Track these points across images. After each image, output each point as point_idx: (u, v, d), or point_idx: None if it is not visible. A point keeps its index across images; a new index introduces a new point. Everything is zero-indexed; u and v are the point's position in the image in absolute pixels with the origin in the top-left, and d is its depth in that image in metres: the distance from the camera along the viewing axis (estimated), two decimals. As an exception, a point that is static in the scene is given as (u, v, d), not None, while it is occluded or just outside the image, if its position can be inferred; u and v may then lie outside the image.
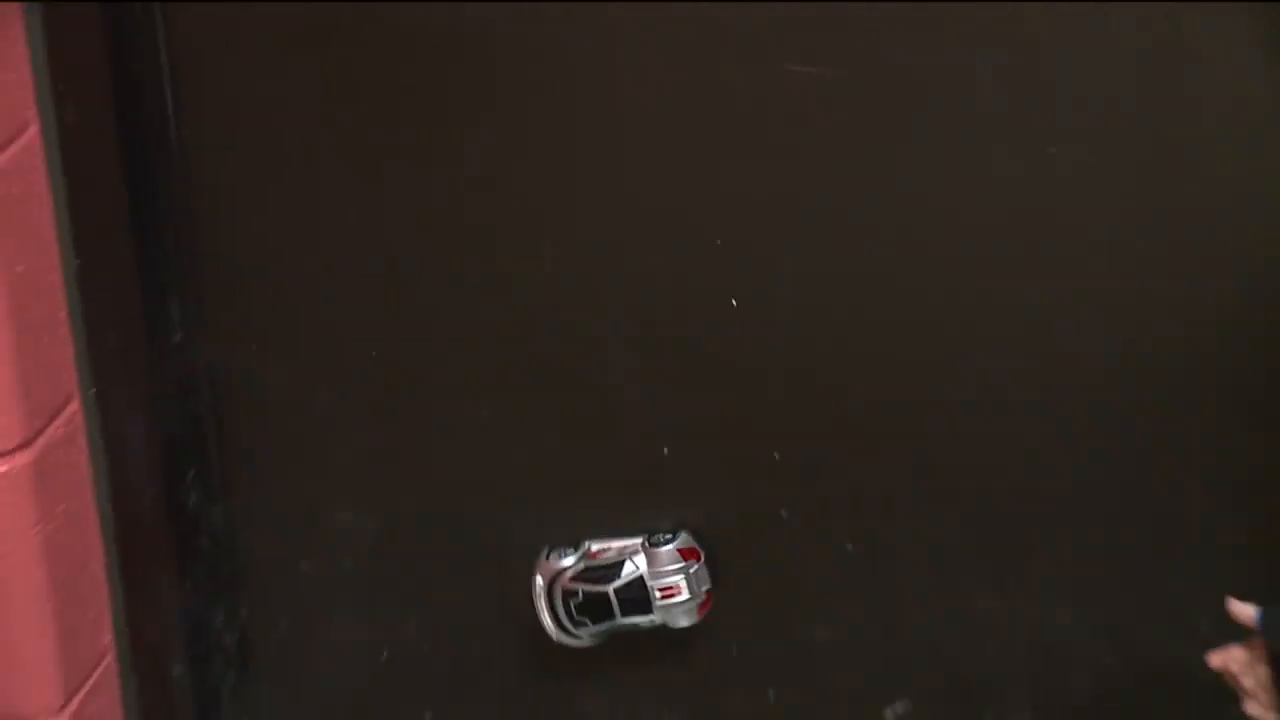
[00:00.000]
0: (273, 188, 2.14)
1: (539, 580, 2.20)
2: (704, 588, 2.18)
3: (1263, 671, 1.87)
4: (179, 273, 2.16)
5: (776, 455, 2.15)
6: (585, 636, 2.21)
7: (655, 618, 2.18)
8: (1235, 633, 2.01)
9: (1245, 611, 1.90)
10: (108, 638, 2.21)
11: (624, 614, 2.18)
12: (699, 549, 2.18)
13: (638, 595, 2.17)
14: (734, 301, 2.10)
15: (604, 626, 2.19)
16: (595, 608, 2.18)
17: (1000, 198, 2.06)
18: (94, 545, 2.17)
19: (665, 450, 2.18)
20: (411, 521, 2.26)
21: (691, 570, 2.17)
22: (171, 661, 2.27)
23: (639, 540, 2.19)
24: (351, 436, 2.25)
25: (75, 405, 2.09)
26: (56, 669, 2.12)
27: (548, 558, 2.21)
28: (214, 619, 2.31)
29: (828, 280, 2.13)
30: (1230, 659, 1.92)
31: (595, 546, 2.20)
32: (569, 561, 2.21)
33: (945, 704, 2.23)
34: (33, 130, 1.98)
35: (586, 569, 2.19)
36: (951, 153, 2.06)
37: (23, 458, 1.99)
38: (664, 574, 2.18)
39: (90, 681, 2.20)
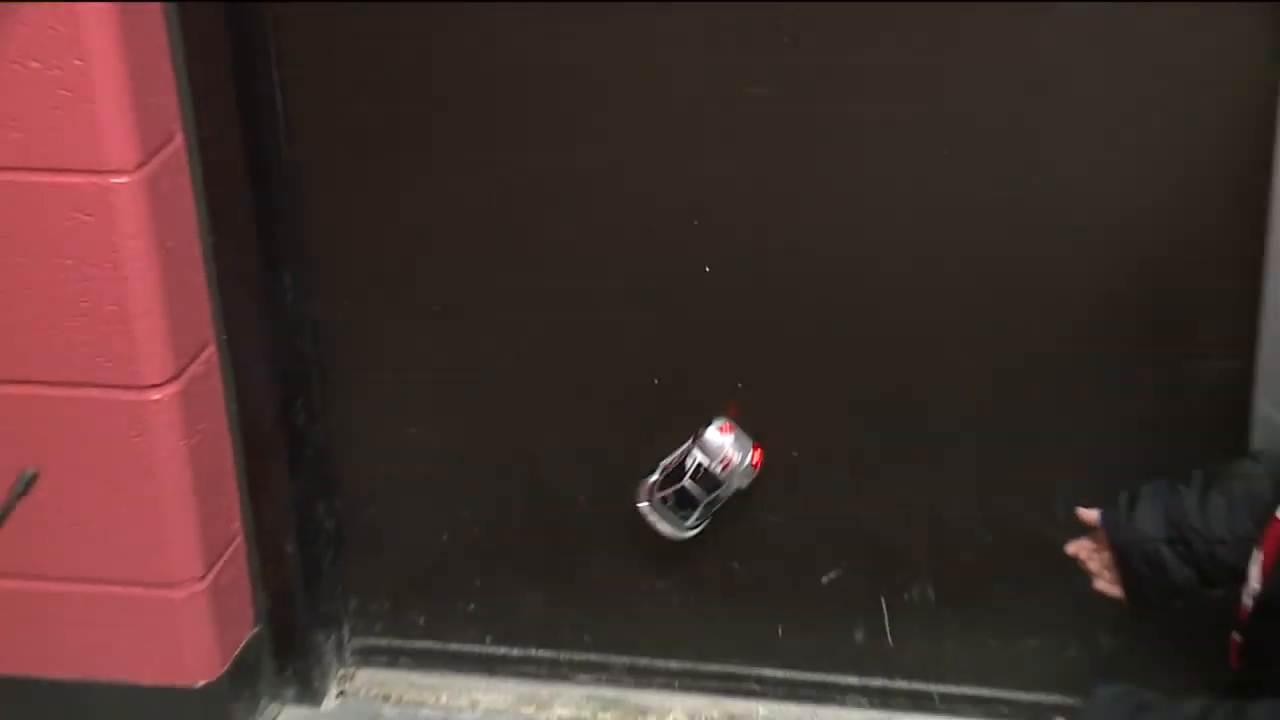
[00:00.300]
0: (358, 183, 2.23)
1: (644, 504, 2.25)
2: (749, 449, 2.23)
3: (1105, 556, 1.97)
4: (289, 248, 2.27)
5: (739, 385, 2.23)
6: (691, 523, 2.25)
7: (724, 488, 2.23)
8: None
9: (1089, 514, 2.00)
10: (236, 524, 2.34)
11: (705, 494, 2.23)
12: (732, 424, 2.24)
13: (706, 477, 2.23)
14: (707, 268, 2.16)
15: (697, 511, 2.24)
16: (683, 502, 2.24)
17: (913, 182, 2.11)
18: (226, 454, 2.29)
19: (655, 380, 2.26)
20: (464, 436, 2.35)
21: (733, 440, 2.23)
22: (284, 542, 2.39)
23: (689, 442, 2.23)
24: (420, 371, 2.33)
25: (211, 349, 2.22)
26: (199, 547, 2.24)
27: (642, 482, 2.26)
28: (317, 509, 2.41)
29: (779, 251, 2.18)
30: (1081, 548, 2.01)
31: (665, 460, 2.24)
32: (652, 478, 2.25)
33: (867, 573, 2.32)
34: (178, 139, 2.11)
35: (664, 478, 2.24)
36: (861, 148, 2.10)
37: (172, 388, 2.13)
38: (716, 452, 2.23)
39: (224, 557, 2.30)
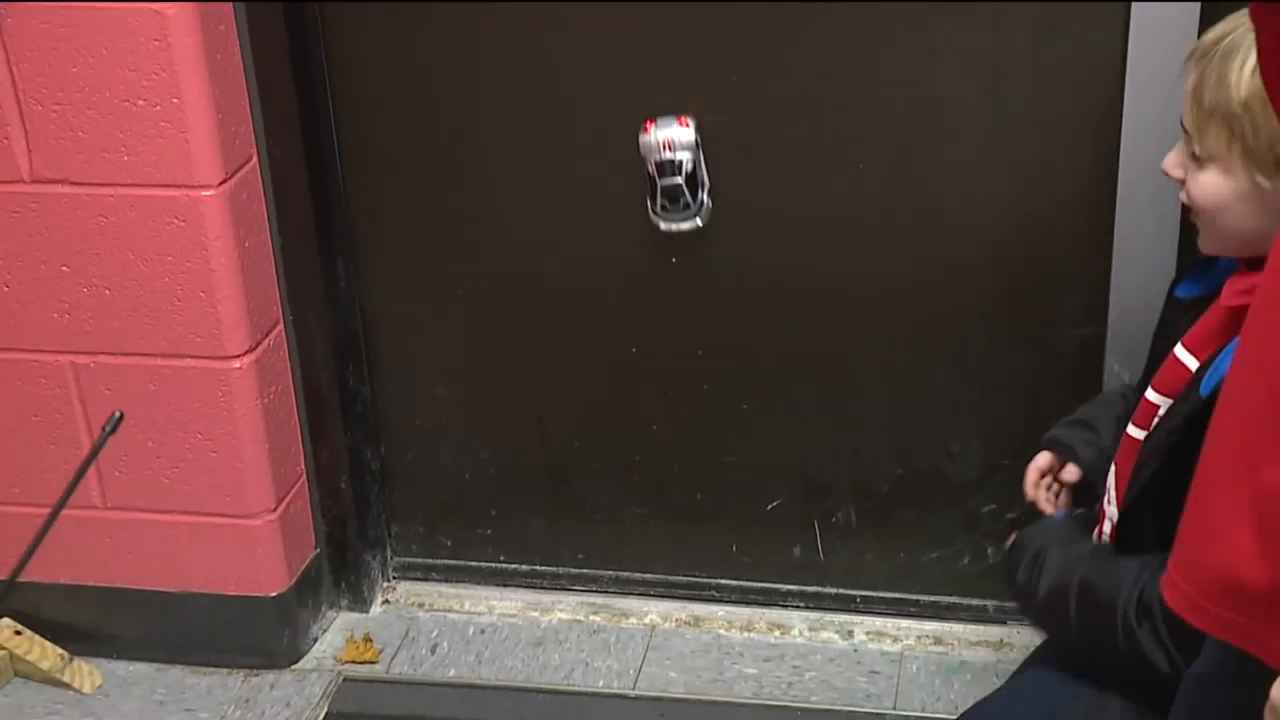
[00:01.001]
0: (397, 192, 2.24)
1: (660, 223, 2.12)
2: (673, 122, 2.09)
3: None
4: (341, 244, 2.27)
5: (700, 352, 2.24)
6: (694, 207, 2.12)
7: (687, 160, 2.09)
8: (977, 451, 2.22)
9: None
10: (301, 466, 2.34)
11: (678, 176, 2.10)
12: (651, 119, 2.10)
13: (667, 166, 2.10)
14: (673, 259, 2.20)
15: (687, 196, 2.10)
16: (674, 196, 2.11)
17: (836, 187, 2.12)
18: (292, 410, 2.30)
19: (633, 350, 2.25)
20: (482, 393, 2.34)
21: (656, 129, 2.09)
22: (339, 480, 2.37)
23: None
24: (447, 342, 2.32)
25: (280, 326, 2.24)
26: (271, 485, 2.25)
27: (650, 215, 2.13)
28: (364, 454, 2.39)
29: (732, 246, 2.18)
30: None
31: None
32: (649, 206, 2.11)
33: (802, 500, 2.32)
34: (254, 160, 2.14)
35: (651, 198, 2.12)
36: (796, 161, 2.12)
37: (250, 358, 2.17)
38: (654, 147, 2.10)
39: (291, 493, 2.30)
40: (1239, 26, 1.58)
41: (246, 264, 2.13)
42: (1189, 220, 1.69)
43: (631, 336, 2.27)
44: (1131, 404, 1.78)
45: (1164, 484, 1.62)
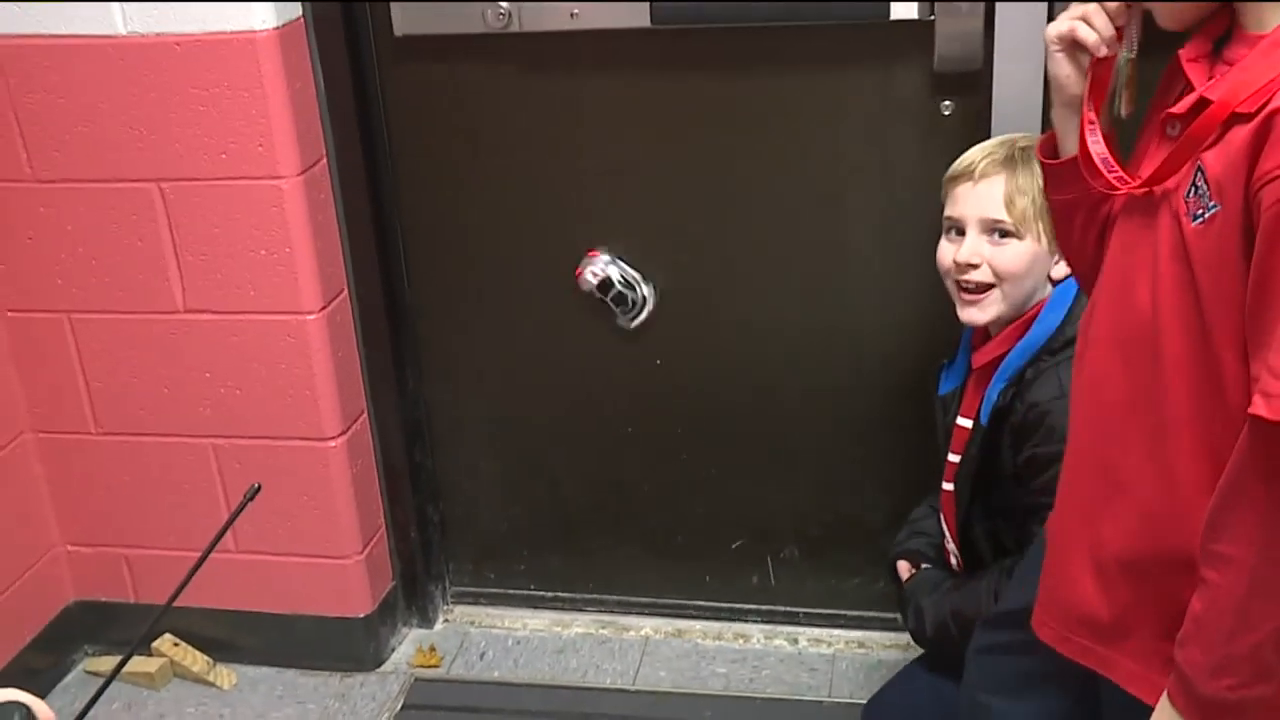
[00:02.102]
0: (454, 319, 2.21)
1: (603, 258, 2.06)
2: (648, 309, 2.08)
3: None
4: (412, 354, 2.24)
5: (679, 430, 2.20)
6: (631, 313, 2.09)
7: (624, 310, 2.08)
8: (886, 503, 2.17)
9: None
10: (381, 520, 2.29)
11: (615, 300, 2.07)
12: (580, 269, 2.05)
13: (604, 284, 2.06)
14: (658, 361, 2.17)
15: (602, 297, 2.06)
16: (620, 301, 2.08)
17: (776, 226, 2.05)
18: (374, 479, 2.25)
19: (629, 429, 2.24)
20: (515, 466, 2.28)
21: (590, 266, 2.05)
22: (409, 530, 2.32)
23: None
24: (491, 431, 2.28)
25: (364, 415, 2.22)
26: (359, 534, 2.19)
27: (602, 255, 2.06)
28: (428, 511, 2.34)
29: (703, 341, 2.13)
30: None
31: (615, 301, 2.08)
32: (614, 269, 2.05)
33: (757, 541, 2.28)
34: (344, 291, 2.14)
35: (623, 276, 2.06)
36: (743, 265, 2.07)
37: (342, 439, 2.15)
38: (589, 280, 2.06)
39: (374, 539, 2.26)
40: (1012, 141, 1.65)
41: (339, 369, 2.12)
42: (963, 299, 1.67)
43: (627, 418, 2.24)
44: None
45: (981, 506, 1.67)
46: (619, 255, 2.10)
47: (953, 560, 1.80)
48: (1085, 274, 1.31)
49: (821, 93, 1.97)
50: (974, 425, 1.67)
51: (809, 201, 2.05)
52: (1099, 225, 1.26)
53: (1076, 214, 1.28)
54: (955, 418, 1.74)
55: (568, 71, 2.01)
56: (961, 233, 1.68)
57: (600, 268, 2.07)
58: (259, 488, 1.42)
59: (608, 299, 2.08)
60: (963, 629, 1.68)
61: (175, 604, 1.32)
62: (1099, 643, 1.24)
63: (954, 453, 1.73)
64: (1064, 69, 1.21)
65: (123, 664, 1.26)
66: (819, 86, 1.97)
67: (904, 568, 1.86)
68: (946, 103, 1.94)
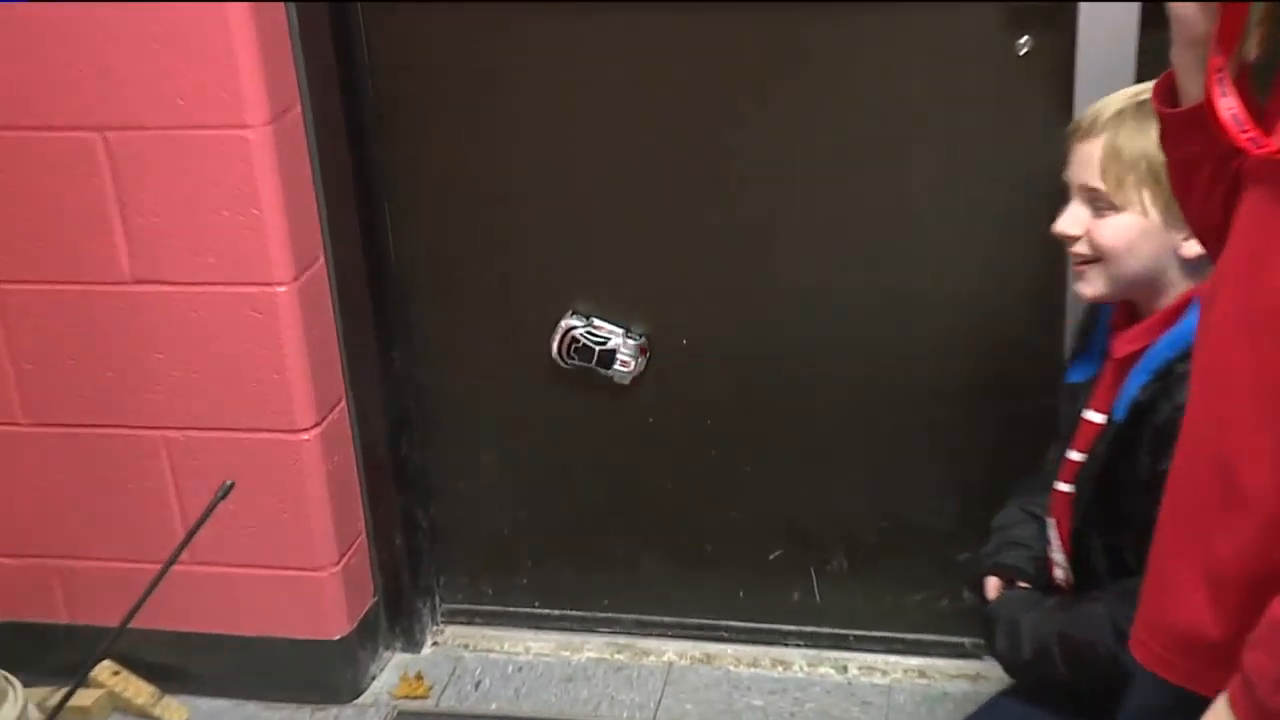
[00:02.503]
0: (450, 289, 2.25)
1: (561, 327, 2.19)
2: (639, 367, 2.19)
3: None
4: (397, 332, 2.27)
5: (708, 422, 2.24)
6: (571, 366, 2.20)
7: (612, 371, 2.20)
8: (951, 506, 2.20)
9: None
10: (360, 524, 2.31)
11: (598, 362, 2.20)
12: (648, 349, 2.20)
13: (609, 357, 2.20)
14: (684, 341, 2.21)
15: (584, 364, 2.19)
16: (584, 354, 2.20)
17: (817, 276, 2.13)
18: (353, 476, 2.29)
19: (650, 420, 2.28)
20: (519, 461, 2.32)
21: (641, 358, 2.20)
22: (394, 536, 2.35)
23: (623, 332, 2.20)
24: (489, 418, 2.32)
25: (343, 403, 2.25)
26: (335, 542, 2.23)
27: (567, 318, 2.19)
28: (416, 514, 2.38)
29: (735, 315, 2.18)
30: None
31: (597, 322, 2.20)
32: (578, 323, 2.19)
33: (800, 550, 2.32)
34: (321, 260, 2.14)
35: (589, 332, 2.20)
36: (781, 257, 2.13)
37: (316, 431, 2.17)
38: (627, 353, 2.19)
39: (352, 548, 2.28)
40: (1139, 93, 1.64)
41: (314, 349, 2.14)
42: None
43: (649, 409, 2.28)
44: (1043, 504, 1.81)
45: (1102, 513, 1.67)
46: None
47: (1059, 574, 1.80)
48: (1211, 242, 1.30)
49: (876, 30, 1.99)
50: (1107, 421, 1.67)
51: (862, 157, 2.07)
52: (1227, 184, 1.25)
53: (1199, 171, 1.27)
54: (1084, 408, 1.73)
55: (580, 9, 2.04)
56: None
57: (566, 330, 2.18)
58: (232, 485, 1.43)
59: (593, 365, 2.19)
60: (1069, 657, 1.68)
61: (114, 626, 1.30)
62: (1210, 666, 1.25)
63: (1077, 450, 1.73)
64: (1188, 3, 1.21)
65: (64, 702, 1.23)
66: (874, 22, 1.98)
67: (994, 585, 1.85)
68: (1023, 40, 1.95)
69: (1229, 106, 1.18)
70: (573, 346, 2.19)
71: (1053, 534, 1.79)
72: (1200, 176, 1.28)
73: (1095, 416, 1.70)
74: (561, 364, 2.20)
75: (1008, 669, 1.80)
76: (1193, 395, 1.29)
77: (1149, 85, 1.57)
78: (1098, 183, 1.64)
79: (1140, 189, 1.62)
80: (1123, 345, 1.68)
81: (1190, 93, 1.25)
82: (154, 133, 2.02)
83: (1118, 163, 1.62)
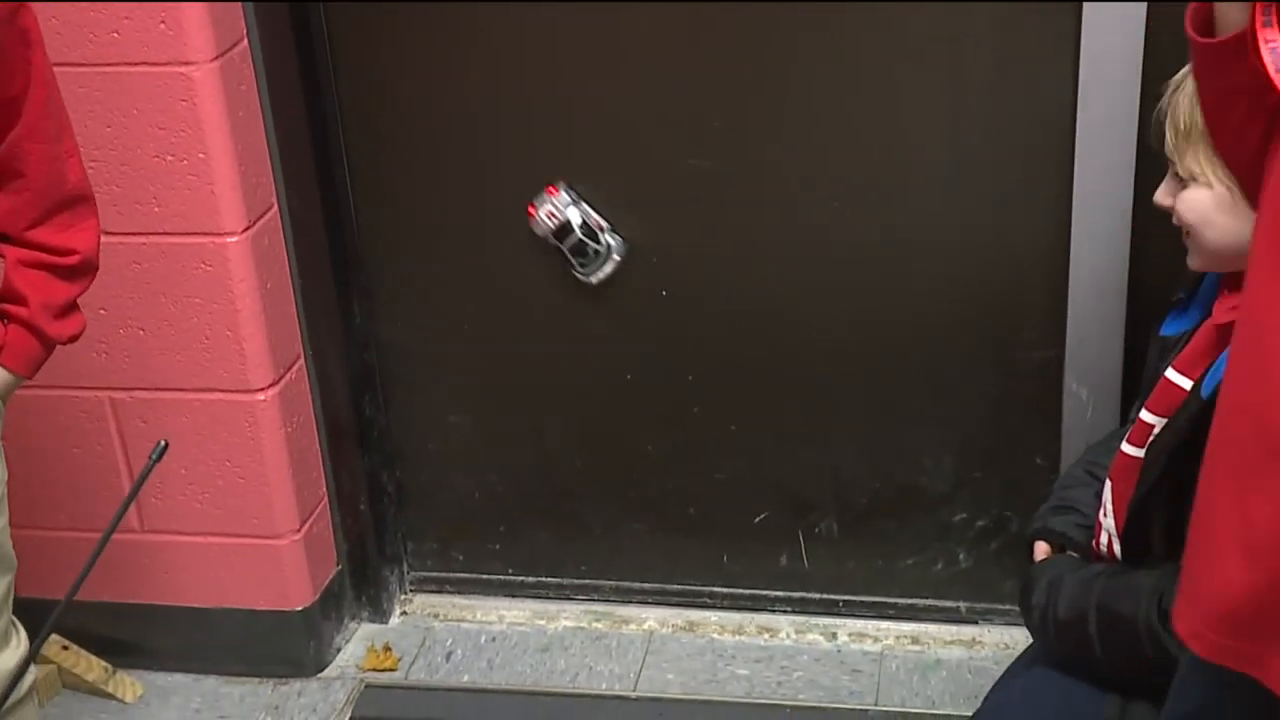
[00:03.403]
0: (408, 238, 2.23)
1: (582, 276, 2.16)
2: (609, 266, 2.14)
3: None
4: (357, 285, 2.25)
5: (690, 377, 2.23)
6: (545, 233, 2.14)
7: (584, 259, 2.15)
8: (948, 465, 2.19)
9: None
10: (323, 489, 2.28)
11: (573, 245, 2.14)
12: (626, 255, 2.14)
13: (587, 236, 2.14)
14: (664, 292, 2.18)
15: (557, 242, 2.13)
16: (564, 230, 2.13)
17: (813, 228, 2.11)
18: (313, 438, 2.26)
19: (628, 377, 2.24)
20: (490, 418, 2.32)
21: (614, 260, 2.14)
22: (358, 501, 2.34)
23: (610, 227, 2.14)
24: (456, 372, 2.29)
25: (301, 361, 2.21)
26: (296, 507, 2.21)
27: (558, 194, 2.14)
28: (381, 477, 2.36)
29: (719, 281, 2.17)
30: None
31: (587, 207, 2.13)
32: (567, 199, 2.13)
33: (787, 513, 2.31)
34: (274, 208, 2.13)
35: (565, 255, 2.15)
36: (775, 201, 2.11)
37: (274, 391, 2.14)
38: (607, 244, 2.14)
39: (314, 514, 2.26)
40: None
41: (269, 304, 2.13)
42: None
43: (626, 364, 2.26)
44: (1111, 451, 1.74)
45: (1169, 489, 1.62)
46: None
47: (1104, 543, 1.73)
48: (1248, 179, 1.26)
49: None
50: (1192, 390, 1.60)
51: (856, 92, 2.06)
52: (1264, 121, 1.20)
53: (1234, 106, 1.22)
54: (1168, 367, 1.66)
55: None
56: None
57: (556, 205, 2.13)
58: (165, 445, 1.43)
59: (564, 247, 2.15)
60: (1105, 628, 1.62)
61: (60, 599, 1.32)
62: (1246, 641, 1.22)
63: (1153, 412, 1.66)
64: None
65: (14, 683, 1.24)
66: None
67: (1041, 550, 1.80)
68: None
69: (1272, 41, 1.12)
70: (553, 218, 2.14)
71: (1107, 497, 1.74)
72: (1235, 111, 1.23)
73: (1181, 381, 1.64)
74: (536, 227, 2.15)
75: (1033, 629, 1.75)
76: (1234, 348, 1.24)
77: None
78: (1170, 154, 1.61)
79: (1208, 162, 1.57)
80: (1224, 311, 1.61)
81: (1229, 20, 1.18)
82: (88, 70, 1.99)
83: (1178, 135, 1.58)
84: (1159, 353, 1.71)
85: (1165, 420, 1.64)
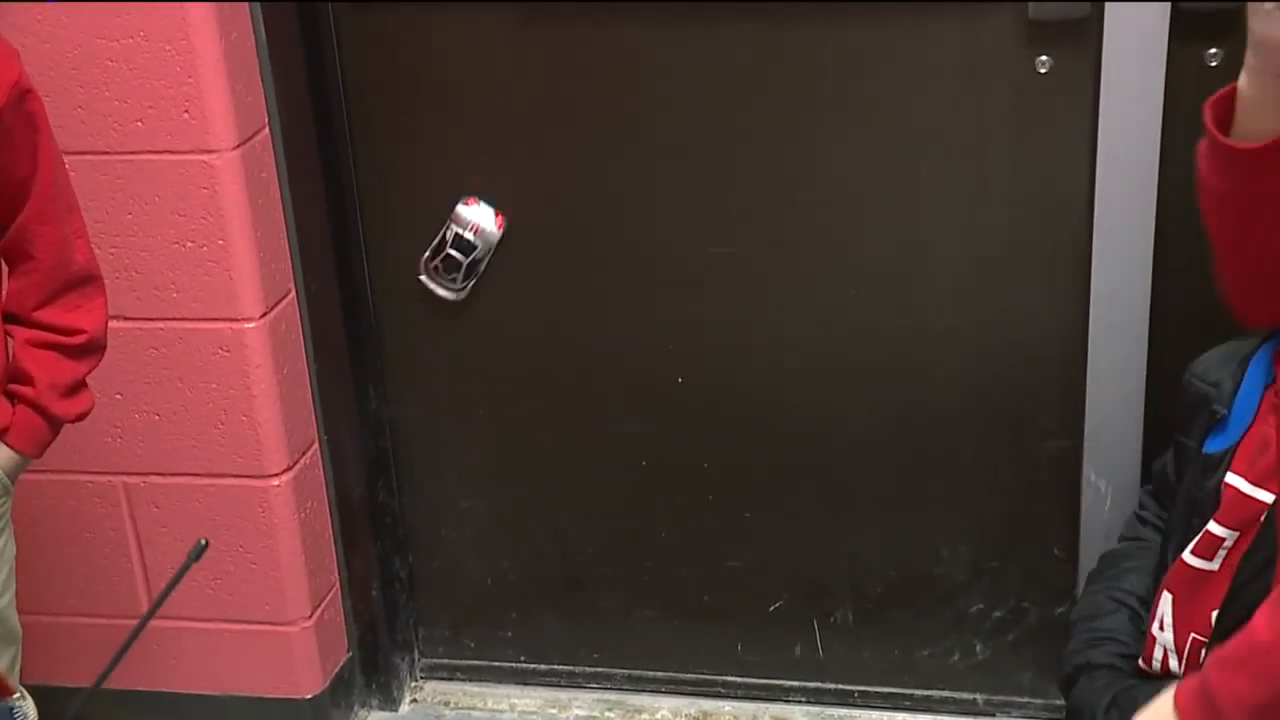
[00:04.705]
0: (424, 323, 2.22)
1: (421, 275, 2.14)
2: (493, 215, 2.10)
3: None
4: (372, 370, 2.25)
5: (705, 465, 2.22)
6: (459, 284, 2.14)
7: (480, 249, 2.11)
8: (965, 555, 2.17)
9: None
10: (334, 574, 2.28)
11: (464, 257, 2.11)
12: (475, 198, 2.10)
13: (462, 243, 2.11)
14: (680, 379, 2.18)
15: (462, 273, 2.13)
16: (450, 267, 2.13)
17: (831, 315, 2.11)
18: (326, 523, 2.25)
19: (643, 463, 2.23)
20: (502, 506, 2.32)
21: (479, 209, 2.10)
22: (370, 587, 2.32)
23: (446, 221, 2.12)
24: (470, 459, 2.29)
25: (315, 445, 2.21)
26: (307, 593, 2.20)
27: (418, 261, 2.13)
28: (393, 563, 2.34)
29: (735, 369, 2.16)
30: None
31: (434, 240, 2.13)
32: (425, 255, 2.13)
33: (803, 601, 2.29)
34: (292, 293, 2.11)
35: (433, 252, 2.13)
36: (792, 290, 2.11)
37: (287, 476, 2.14)
38: (467, 223, 2.11)
39: (325, 600, 2.25)
40: None
41: (285, 389, 2.12)
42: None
43: (642, 451, 2.25)
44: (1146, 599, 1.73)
45: (1262, 592, 1.57)
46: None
47: (1158, 658, 1.70)
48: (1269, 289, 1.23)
49: (890, 45, 1.98)
50: (1278, 501, 1.58)
51: (875, 180, 2.06)
52: None
53: (1260, 215, 1.19)
54: (1225, 475, 1.64)
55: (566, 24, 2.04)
56: None
57: (485, 229, 2.12)
58: (206, 544, 1.43)
59: (447, 251, 2.14)
60: None
61: (71, 685, 1.26)
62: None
63: (1225, 525, 1.64)
64: None
65: None
66: (886, 38, 1.98)
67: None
68: (1044, 58, 1.95)
69: None
70: (441, 263, 2.14)
71: (1165, 610, 1.70)
72: (1261, 221, 1.20)
73: (1258, 494, 1.61)
74: (436, 284, 2.16)
75: None
76: None
77: None
78: None
79: None
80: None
81: (1260, 126, 1.16)
82: (112, 158, 2.00)
83: None
84: (1201, 469, 1.68)
85: (1238, 532, 1.61)
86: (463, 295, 2.16)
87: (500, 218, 2.11)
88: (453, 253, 2.13)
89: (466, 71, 2.08)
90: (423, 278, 2.17)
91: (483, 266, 2.13)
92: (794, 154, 2.06)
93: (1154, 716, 1.19)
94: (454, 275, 2.14)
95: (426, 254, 2.15)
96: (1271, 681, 1.11)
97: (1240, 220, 1.22)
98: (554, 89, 2.08)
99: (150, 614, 1.23)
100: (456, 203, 2.12)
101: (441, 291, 2.16)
